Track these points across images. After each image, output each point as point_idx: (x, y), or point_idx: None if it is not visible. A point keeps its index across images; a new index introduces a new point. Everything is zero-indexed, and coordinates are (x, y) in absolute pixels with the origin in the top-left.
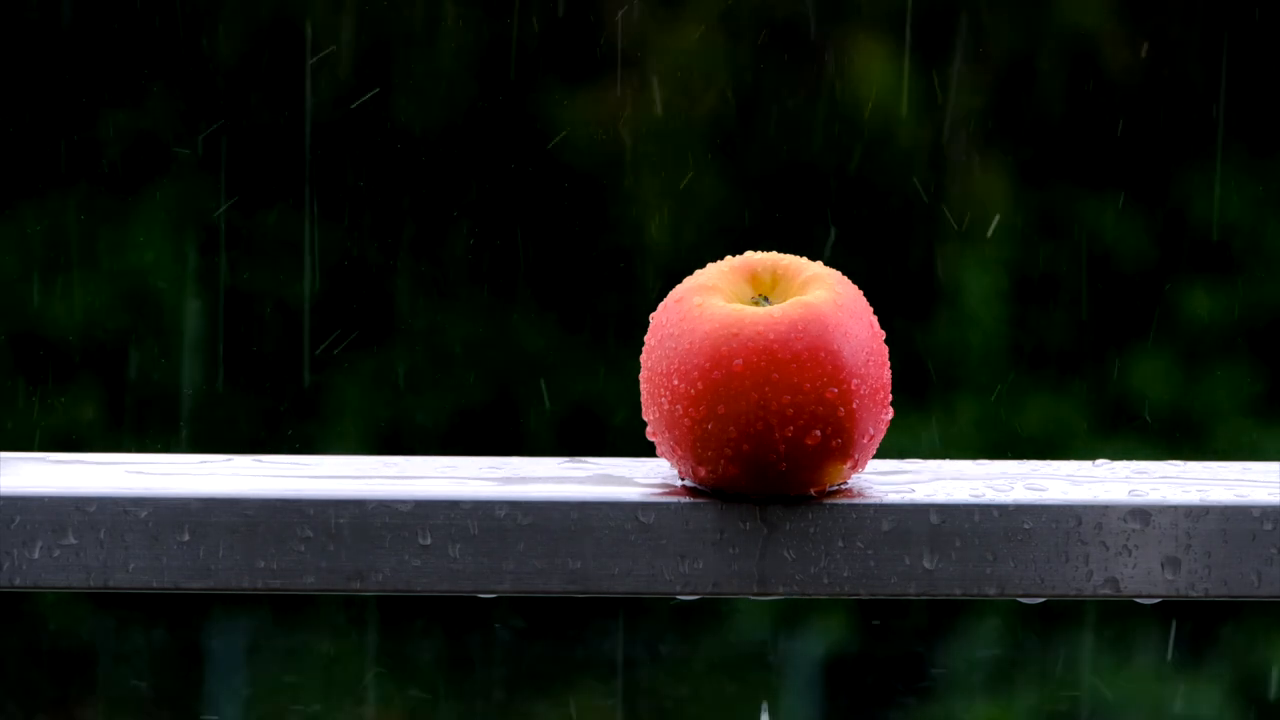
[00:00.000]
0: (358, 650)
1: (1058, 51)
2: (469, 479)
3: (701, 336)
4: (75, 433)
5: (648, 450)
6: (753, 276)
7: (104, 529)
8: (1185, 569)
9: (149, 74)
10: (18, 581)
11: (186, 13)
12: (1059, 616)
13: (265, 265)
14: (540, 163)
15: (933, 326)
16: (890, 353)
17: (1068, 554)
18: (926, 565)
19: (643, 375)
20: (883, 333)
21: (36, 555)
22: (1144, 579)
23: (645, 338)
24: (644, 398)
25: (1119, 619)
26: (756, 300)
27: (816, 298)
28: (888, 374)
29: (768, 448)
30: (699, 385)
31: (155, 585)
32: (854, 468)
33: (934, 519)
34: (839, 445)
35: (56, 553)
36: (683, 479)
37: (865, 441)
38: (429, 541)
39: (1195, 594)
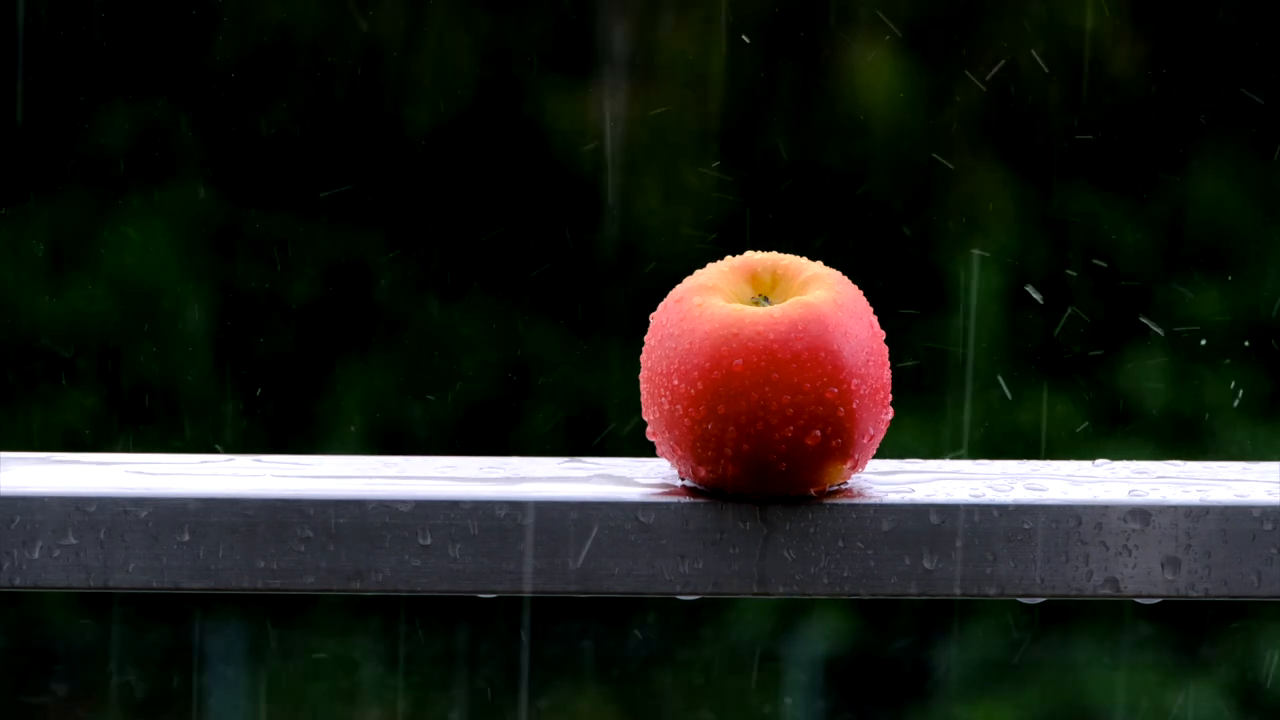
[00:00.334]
0: (357, 650)
1: (1058, 51)
2: (469, 479)
3: (701, 336)
4: (75, 433)
5: (648, 450)
6: (753, 276)
7: (104, 529)
8: (1185, 569)
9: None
10: (18, 581)
11: (187, 11)
12: (1059, 616)
13: (265, 265)
14: (540, 162)
15: (933, 326)
16: (890, 353)
17: (1068, 554)
18: (926, 565)
19: (643, 375)
20: (883, 333)
21: (36, 555)
22: (1144, 579)
23: (645, 338)
24: (644, 398)
25: (1119, 619)
26: (756, 300)
27: (816, 298)
28: (888, 374)
29: (768, 448)
30: (699, 385)
31: (155, 585)
32: (854, 468)
33: (934, 519)
34: (839, 445)
35: (56, 553)
36: (683, 479)
37: (865, 441)
38: (429, 541)
39: (1195, 594)
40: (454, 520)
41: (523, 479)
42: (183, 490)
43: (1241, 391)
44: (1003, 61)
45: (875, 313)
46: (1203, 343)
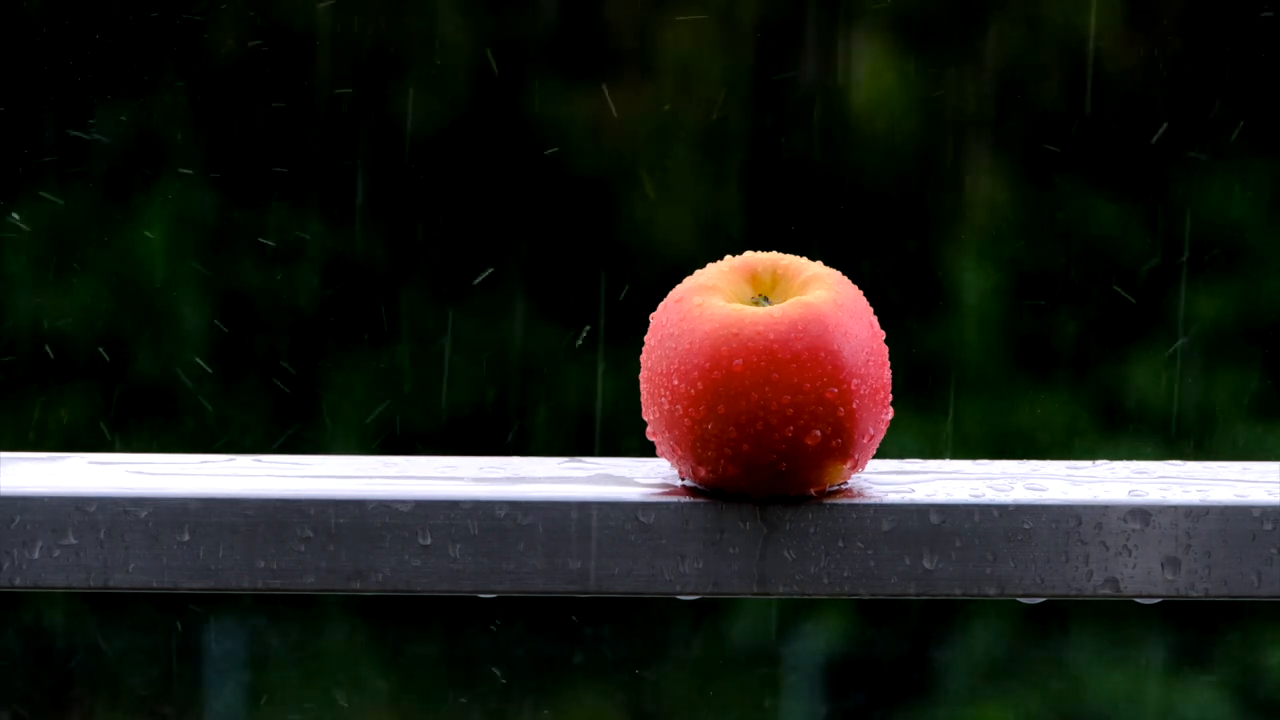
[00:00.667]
0: (357, 650)
1: (1058, 51)
2: (469, 479)
3: (701, 336)
4: (75, 433)
5: (648, 450)
6: (753, 276)
7: (104, 529)
8: (1185, 569)
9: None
10: (18, 581)
11: (187, 10)
12: (1059, 616)
13: (265, 265)
14: (540, 162)
15: (933, 326)
16: (890, 353)
17: (1068, 554)
18: (926, 565)
19: (643, 375)
20: (883, 333)
21: (36, 555)
22: (1144, 579)
23: (645, 338)
24: (644, 398)
25: (1119, 619)
26: (756, 300)
27: (816, 298)
28: (888, 374)
29: (768, 448)
30: (699, 385)
31: (155, 585)
32: (854, 468)
33: (934, 519)
34: (839, 445)
35: (56, 553)
36: (683, 479)
37: (865, 441)
38: (429, 541)
39: (1195, 594)
40: (454, 520)
41: (523, 479)
42: (183, 490)
43: (1242, 392)
44: (1004, 61)
45: (875, 313)
46: (1203, 343)
